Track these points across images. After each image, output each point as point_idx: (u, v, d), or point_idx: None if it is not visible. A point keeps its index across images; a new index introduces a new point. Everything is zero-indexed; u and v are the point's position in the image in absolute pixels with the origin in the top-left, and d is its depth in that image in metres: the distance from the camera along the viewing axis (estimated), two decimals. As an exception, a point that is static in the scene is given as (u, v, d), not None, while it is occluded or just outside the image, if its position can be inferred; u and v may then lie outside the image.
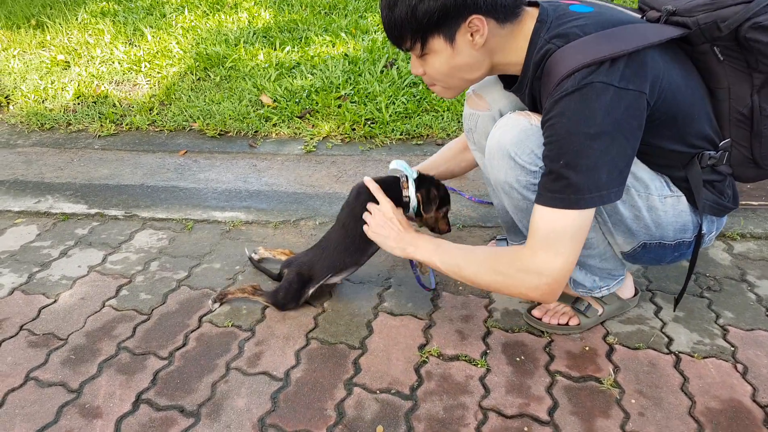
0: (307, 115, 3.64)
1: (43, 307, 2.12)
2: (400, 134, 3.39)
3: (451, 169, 2.18)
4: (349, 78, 3.93)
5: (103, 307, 2.11)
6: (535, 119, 1.58)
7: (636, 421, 1.60)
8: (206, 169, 3.13)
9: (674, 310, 1.99)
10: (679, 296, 1.86)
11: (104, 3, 5.66)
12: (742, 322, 1.93)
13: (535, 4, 1.56)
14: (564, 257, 1.45)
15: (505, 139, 1.60)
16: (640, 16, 1.63)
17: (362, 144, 3.33)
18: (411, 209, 1.95)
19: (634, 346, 1.85)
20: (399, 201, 1.93)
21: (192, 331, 1.97)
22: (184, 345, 1.91)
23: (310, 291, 2.03)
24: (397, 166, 1.97)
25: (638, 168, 1.61)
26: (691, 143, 1.56)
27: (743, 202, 2.58)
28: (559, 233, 1.44)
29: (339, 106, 3.65)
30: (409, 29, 1.49)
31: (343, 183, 2.95)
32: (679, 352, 1.82)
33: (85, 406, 1.69)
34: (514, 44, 1.53)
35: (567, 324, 1.91)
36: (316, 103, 3.69)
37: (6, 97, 4.08)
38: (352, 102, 3.68)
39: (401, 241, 1.78)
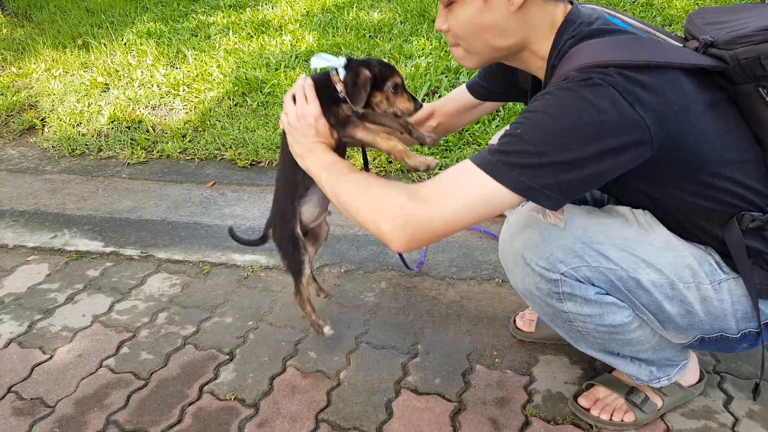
0: (343, 145, 3.43)
1: (37, 365, 1.95)
2: (439, 169, 3.14)
3: (457, 122, 1.91)
4: (390, 106, 3.71)
5: (100, 367, 1.92)
6: (552, 216, 1.34)
7: None
8: (233, 203, 2.95)
9: (754, 399, 1.67)
10: (756, 387, 1.54)
11: (151, 24, 5.63)
12: (838, 422, 1.60)
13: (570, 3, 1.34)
14: (441, 210, 1.19)
15: (516, 243, 1.38)
16: (680, 45, 1.36)
17: (399, 178, 3.10)
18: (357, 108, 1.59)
19: (701, 451, 1.55)
20: (336, 101, 1.58)
21: (190, 404, 1.76)
22: (179, 422, 1.70)
23: (299, 232, 1.80)
24: (320, 62, 1.57)
25: (683, 254, 1.33)
26: (724, 200, 1.27)
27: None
28: (459, 187, 1.19)
29: (377, 137, 3.42)
30: None
31: (375, 224, 2.71)
32: (758, 462, 1.51)
33: (58, 496, 1.51)
34: (548, 30, 1.31)
35: (621, 420, 1.62)
36: (354, 132, 3.47)
37: (42, 120, 4.02)
38: (391, 132, 3.45)
39: (305, 148, 1.53)
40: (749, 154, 1.28)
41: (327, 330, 1.87)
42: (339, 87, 1.56)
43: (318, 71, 1.61)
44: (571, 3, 1.34)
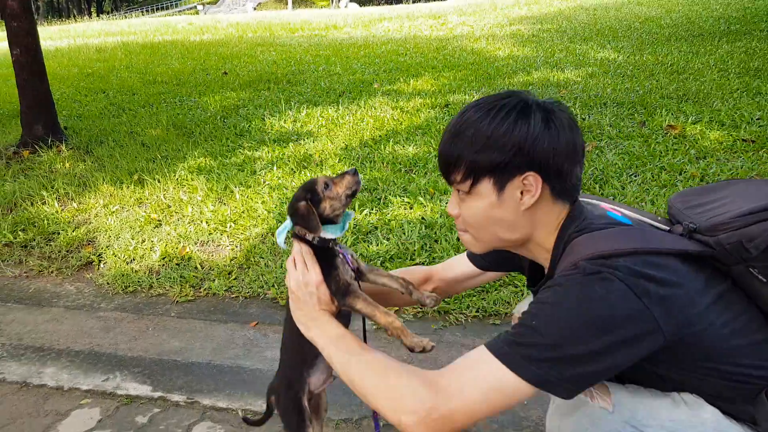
0: (381, 285, 3.58)
1: None
2: (476, 311, 3.25)
3: (393, 296, 1.91)
4: (425, 245, 3.89)
5: None
6: (599, 399, 1.41)
7: None
8: (274, 345, 3.07)
9: None
10: None
11: (201, 159, 6.05)
12: None
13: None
14: (463, 401, 1.25)
15: (566, 428, 1.46)
16: (667, 229, 1.50)
17: (435, 321, 3.20)
18: (328, 237, 1.66)
19: None
20: (329, 262, 1.66)
21: None
22: None
23: (305, 403, 1.79)
24: (281, 236, 1.68)
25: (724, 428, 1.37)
26: (746, 380, 1.33)
27: None
28: (477, 378, 1.26)
29: (413, 276, 3.57)
30: (465, 164, 1.40)
31: (411, 370, 2.79)
32: None
33: None
34: (553, 226, 1.44)
35: None
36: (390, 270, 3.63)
37: (98, 255, 4.30)
38: (426, 272, 3.59)
39: (308, 317, 1.59)
40: (759, 335, 1.35)
41: None
42: (308, 237, 1.65)
43: (287, 242, 1.69)
44: (575, 202, 1.48)
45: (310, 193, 1.65)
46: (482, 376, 1.27)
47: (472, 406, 1.26)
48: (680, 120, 5.74)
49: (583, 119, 6.00)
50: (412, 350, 1.57)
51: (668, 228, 1.50)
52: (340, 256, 1.69)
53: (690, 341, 1.30)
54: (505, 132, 1.36)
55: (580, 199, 1.50)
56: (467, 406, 1.26)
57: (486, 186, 1.41)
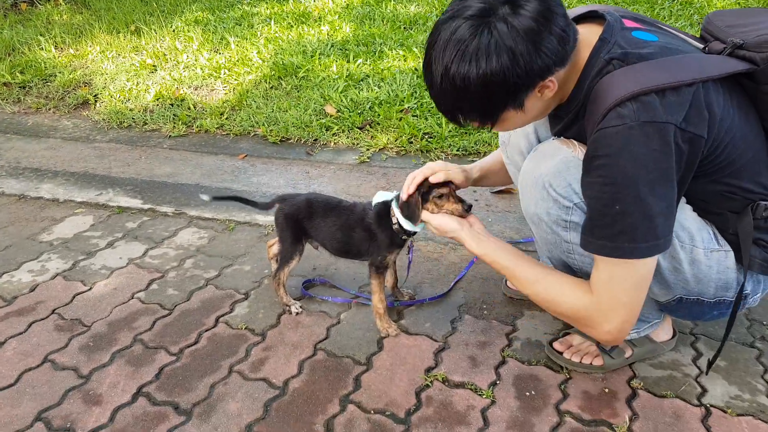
0: (368, 126, 3.64)
1: (78, 294, 2.22)
2: (457, 150, 3.32)
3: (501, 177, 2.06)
4: (415, 92, 3.90)
5: (131, 298, 2.18)
6: (580, 150, 1.46)
7: (645, 476, 1.45)
8: (261, 173, 3.19)
9: (706, 373, 1.76)
10: (713, 358, 1.68)
11: (199, 13, 5.95)
12: (795, 380, 1.73)
13: (600, 18, 1.42)
14: (626, 305, 1.42)
15: (541, 169, 1.51)
16: (702, 46, 1.49)
17: (416, 158, 3.29)
18: (409, 230, 1.84)
19: (660, 394, 1.69)
20: (397, 243, 1.90)
21: (206, 330, 2.00)
22: (195, 343, 1.94)
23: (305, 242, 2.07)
24: (379, 198, 1.89)
25: (686, 216, 1.48)
26: (746, 190, 1.42)
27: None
28: (619, 283, 1.40)
29: (400, 119, 3.62)
30: (474, 117, 1.41)
31: (390, 196, 2.91)
32: (711, 406, 1.65)
33: (89, 393, 1.76)
34: (575, 70, 1.41)
35: (590, 364, 1.78)
36: (378, 114, 3.68)
37: (95, 96, 4.35)
38: (413, 116, 3.64)
39: (471, 231, 1.70)
40: (763, 153, 1.43)
41: (294, 309, 2.07)
42: (393, 220, 1.84)
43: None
44: (601, 18, 1.42)
45: (427, 190, 1.77)
46: (621, 279, 1.39)
47: (630, 304, 1.42)
48: (690, -13, 5.57)
49: (591, -17, 5.81)
50: (380, 333, 1.95)
51: (702, 45, 1.49)
52: (408, 252, 2.04)
53: (715, 154, 1.35)
54: (494, 68, 1.27)
55: (607, 14, 1.43)
56: (630, 306, 1.42)
57: (507, 114, 1.39)
